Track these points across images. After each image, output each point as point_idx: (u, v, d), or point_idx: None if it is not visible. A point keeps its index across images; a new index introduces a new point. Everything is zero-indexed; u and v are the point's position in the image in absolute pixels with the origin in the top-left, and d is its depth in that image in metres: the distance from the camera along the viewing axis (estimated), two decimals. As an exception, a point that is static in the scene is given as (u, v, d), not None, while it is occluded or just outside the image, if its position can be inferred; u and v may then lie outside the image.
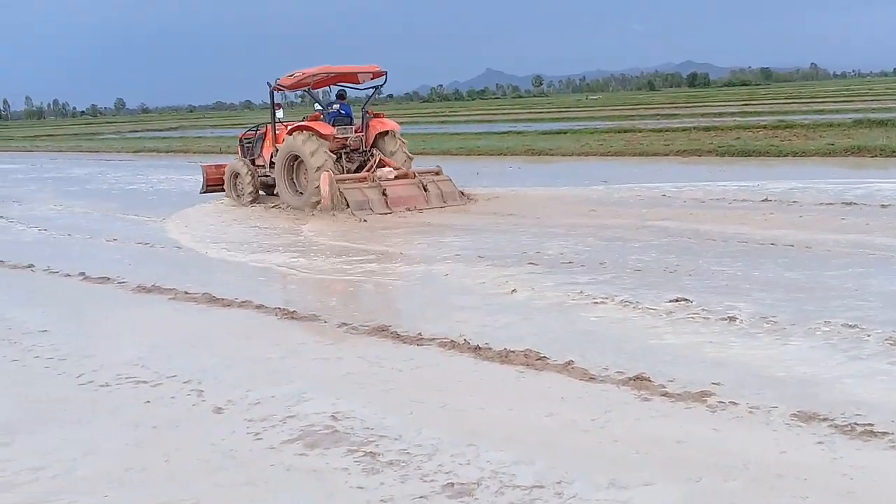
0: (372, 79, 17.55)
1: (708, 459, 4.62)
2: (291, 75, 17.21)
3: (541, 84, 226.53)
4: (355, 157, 16.72)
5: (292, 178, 16.37)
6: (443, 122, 58.73)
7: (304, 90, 18.07)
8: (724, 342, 6.65)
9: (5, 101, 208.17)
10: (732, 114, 43.02)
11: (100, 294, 9.85)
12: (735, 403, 5.34)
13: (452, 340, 6.97)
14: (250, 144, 18.33)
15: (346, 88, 18.05)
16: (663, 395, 5.55)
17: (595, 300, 8.11)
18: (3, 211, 18.81)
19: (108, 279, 10.43)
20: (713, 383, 5.69)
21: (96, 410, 5.91)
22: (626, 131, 32.95)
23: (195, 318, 8.49)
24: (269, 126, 17.55)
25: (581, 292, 8.42)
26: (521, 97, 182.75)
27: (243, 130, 19.57)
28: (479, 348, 6.72)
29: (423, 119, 64.89)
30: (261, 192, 17.78)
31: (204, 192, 18.98)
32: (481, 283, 9.18)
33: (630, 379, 5.84)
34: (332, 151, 15.94)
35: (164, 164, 29.36)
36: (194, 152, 37.72)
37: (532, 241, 11.40)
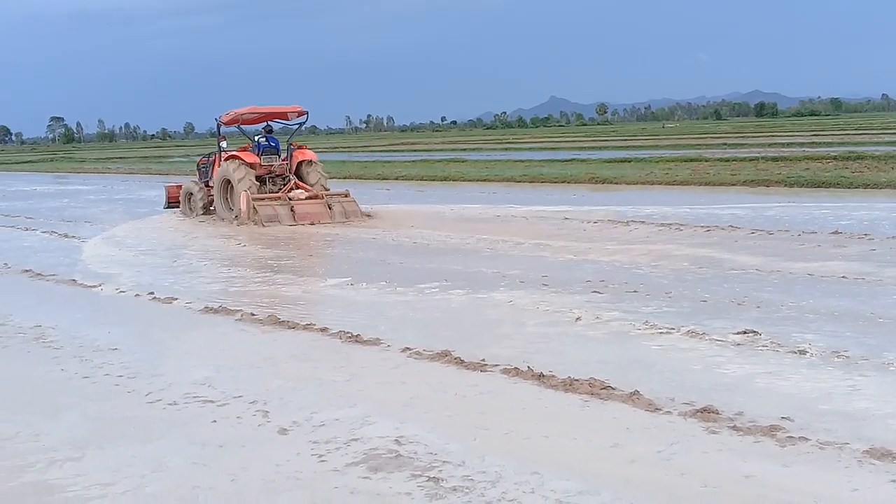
0: (297, 117, 21.37)
1: (777, 496, 4.54)
2: (228, 113, 20.85)
3: (605, 112, 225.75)
4: (278, 181, 20.11)
5: (226, 197, 19.99)
6: (506, 148, 58.85)
7: (237, 126, 21.16)
8: (794, 376, 6.53)
9: (79, 124, 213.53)
10: (801, 144, 42.45)
11: (168, 313, 10.02)
12: (805, 439, 5.24)
13: (516, 367, 6.93)
14: (205, 168, 21.81)
15: (280, 122, 21.61)
16: (731, 429, 5.46)
17: (660, 330, 8.03)
18: (75, 231, 19.24)
19: (176, 298, 10.61)
20: (783, 417, 5.59)
21: (164, 428, 6.00)
22: (692, 160, 32.69)
23: (260, 339, 8.57)
24: (217, 155, 20.88)
25: (646, 322, 8.34)
26: (585, 125, 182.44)
27: (200, 157, 23.20)
28: (543, 376, 6.68)
29: (487, 146, 65.13)
30: (211, 208, 20.92)
31: (166, 208, 22.67)
32: (545, 309, 9.15)
33: (697, 411, 5.76)
34: (259, 176, 19.67)
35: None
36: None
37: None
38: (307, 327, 8.78)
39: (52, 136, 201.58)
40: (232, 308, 9.81)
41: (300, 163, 20.40)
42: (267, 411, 6.21)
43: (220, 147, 20.84)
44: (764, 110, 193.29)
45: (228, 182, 19.72)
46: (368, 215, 19.29)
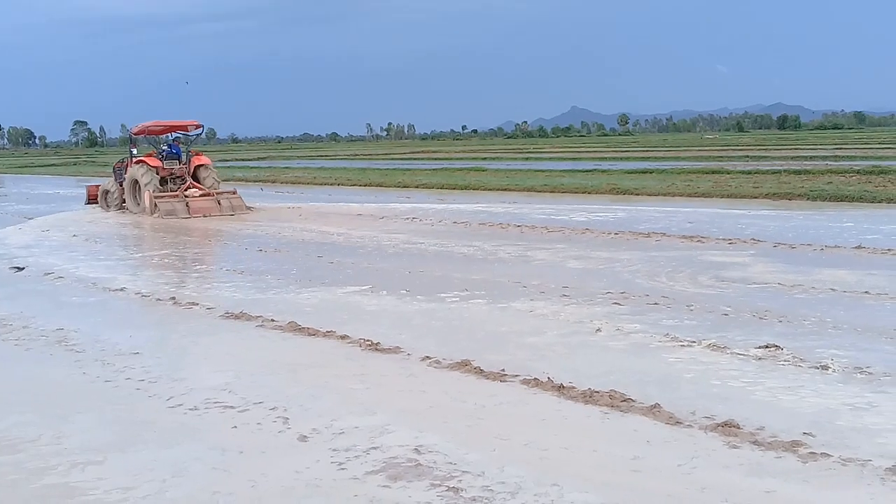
0: (195, 129, 25.61)
1: (799, 511, 4.51)
2: (137, 126, 25.53)
3: (626, 122, 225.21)
4: (178, 182, 24.21)
5: (134, 195, 24.22)
6: (527, 158, 58.80)
7: (144, 136, 25.88)
8: (816, 391, 6.49)
9: (102, 129, 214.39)
10: (824, 157, 42.17)
11: (188, 318, 10.07)
12: (827, 455, 5.21)
13: (536, 378, 6.93)
14: (120, 171, 25.59)
15: (182, 133, 25.58)
16: (752, 444, 5.44)
17: (682, 343, 7.99)
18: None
19: (196, 304, 10.66)
20: (804, 433, 5.56)
21: (185, 433, 6.03)
22: (713, 172, 32.57)
23: (281, 345, 8.59)
24: (129, 160, 25.09)
25: (667, 334, 8.31)
26: (606, 135, 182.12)
27: (117, 161, 26.86)
28: (563, 387, 6.67)
29: (508, 155, 65.08)
30: (124, 204, 24.78)
31: (87, 204, 26.92)
32: (565, 320, 9.13)
33: (718, 425, 5.73)
34: (162, 178, 23.95)
35: (252, 194, 29.97)
36: (282, 182, 38.45)
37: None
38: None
39: (75, 140, 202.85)
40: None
41: (197, 167, 24.66)
42: (287, 418, 6.23)
43: (131, 153, 25.41)
44: (787, 123, 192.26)
45: (136, 182, 24.03)
46: (251, 209, 23.45)
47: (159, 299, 11.13)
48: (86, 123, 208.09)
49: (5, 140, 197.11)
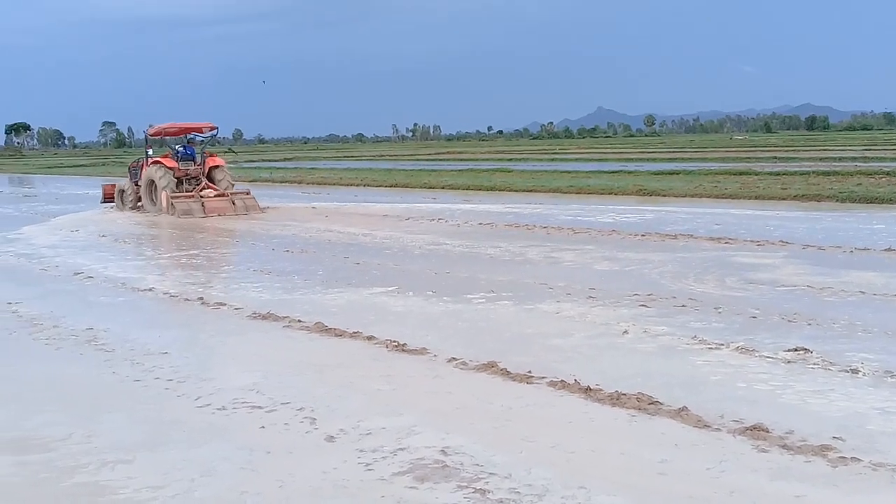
0: (210, 131, 26.48)
1: (829, 516, 4.47)
2: (153, 127, 26.21)
3: (653, 123, 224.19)
4: (193, 182, 24.91)
5: (151, 195, 24.94)
6: (553, 159, 58.65)
7: (160, 137, 26.31)
8: (846, 395, 6.43)
9: (130, 129, 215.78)
10: (853, 158, 41.77)
11: (216, 318, 10.13)
12: (857, 460, 5.16)
13: (562, 380, 6.91)
14: (135, 171, 26.56)
15: (198, 135, 26.57)
16: (782, 447, 5.40)
17: (709, 346, 7.95)
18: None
19: (224, 304, 10.72)
20: (834, 437, 5.52)
21: (213, 433, 6.06)
22: (741, 173, 32.32)
23: (308, 346, 8.63)
24: (144, 160, 25.63)
25: (695, 337, 8.27)
26: (632, 136, 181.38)
27: (132, 161, 28.01)
28: (590, 389, 6.65)
29: (534, 156, 64.94)
30: (139, 203, 25.71)
31: (102, 203, 27.57)
32: (592, 322, 9.11)
33: (746, 429, 5.70)
34: (177, 178, 24.56)
35: (279, 194, 30.11)
36: (308, 183, 38.60)
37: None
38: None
39: (104, 140, 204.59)
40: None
41: (211, 168, 25.28)
42: (314, 418, 6.26)
43: (147, 154, 25.73)
44: (815, 124, 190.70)
45: (153, 182, 24.75)
46: (263, 210, 24.00)
47: (187, 299, 11.23)
48: (114, 124, 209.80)
49: (35, 140, 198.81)
